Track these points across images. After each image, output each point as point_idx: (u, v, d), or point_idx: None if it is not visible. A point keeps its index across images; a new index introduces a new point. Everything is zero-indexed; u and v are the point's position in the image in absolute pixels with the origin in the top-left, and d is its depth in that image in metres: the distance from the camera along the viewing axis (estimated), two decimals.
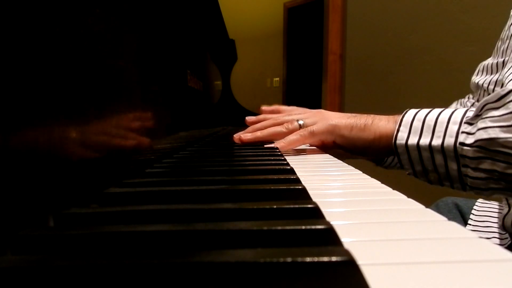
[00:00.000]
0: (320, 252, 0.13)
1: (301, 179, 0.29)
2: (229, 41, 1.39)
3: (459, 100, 0.78)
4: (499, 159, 0.35)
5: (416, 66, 1.52)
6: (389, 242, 0.17)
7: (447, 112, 0.41)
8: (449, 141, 0.39)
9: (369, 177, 0.33)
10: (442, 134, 0.39)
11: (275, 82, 3.86)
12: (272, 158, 0.43)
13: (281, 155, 0.46)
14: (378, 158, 0.52)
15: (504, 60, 0.64)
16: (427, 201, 0.49)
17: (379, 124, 0.47)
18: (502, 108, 0.35)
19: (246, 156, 0.46)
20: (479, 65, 0.72)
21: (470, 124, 0.38)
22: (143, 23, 0.40)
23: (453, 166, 0.39)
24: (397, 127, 0.43)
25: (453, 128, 0.39)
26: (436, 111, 0.42)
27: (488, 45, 0.73)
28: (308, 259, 0.13)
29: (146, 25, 0.41)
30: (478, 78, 0.71)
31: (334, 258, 0.13)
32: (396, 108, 0.72)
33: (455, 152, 0.38)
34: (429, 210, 0.22)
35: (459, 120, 0.39)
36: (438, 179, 0.42)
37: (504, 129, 0.34)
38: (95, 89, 0.26)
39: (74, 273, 0.13)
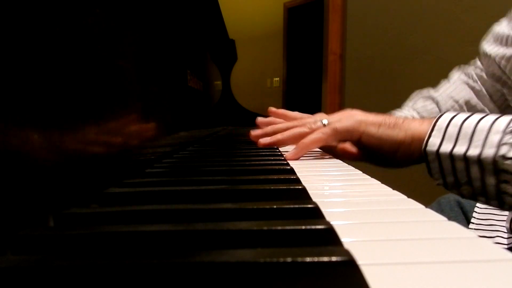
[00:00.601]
0: (320, 252, 0.13)
1: (301, 179, 0.29)
2: (229, 41, 1.39)
3: (464, 70, 0.71)
4: None
5: (416, 66, 1.52)
6: (389, 242, 0.17)
7: (489, 119, 0.36)
8: (489, 152, 0.34)
9: (369, 177, 0.33)
10: (481, 143, 0.35)
11: (275, 82, 3.86)
12: (272, 158, 0.43)
13: (281, 155, 0.46)
14: (406, 166, 0.46)
15: None
16: (428, 200, 0.48)
17: (411, 124, 0.42)
18: None
19: (246, 156, 0.46)
20: (493, 29, 0.65)
21: None
22: (143, 23, 0.40)
23: (491, 181, 0.35)
24: (429, 132, 0.39)
25: (494, 138, 0.34)
26: (476, 117, 0.37)
27: None
28: (308, 259, 0.13)
29: (146, 25, 0.41)
30: (489, 47, 0.64)
31: (334, 258, 0.12)
32: (396, 108, 0.71)
33: (494, 166, 0.34)
34: (429, 210, 0.22)
35: (502, 129, 0.34)
36: (471, 194, 0.38)
37: None
38: (95, 89, 0.26)
39: (74, 273, 0.13)
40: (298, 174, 0.31)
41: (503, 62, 0.61)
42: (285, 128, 0.52)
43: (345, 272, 0.12)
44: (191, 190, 0.25)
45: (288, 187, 0.26)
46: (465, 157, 0.36)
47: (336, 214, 0.22)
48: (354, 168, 0.39)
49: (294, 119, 0.56)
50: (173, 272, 0.13)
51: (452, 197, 0.68)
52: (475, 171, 0.36)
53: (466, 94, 0.67)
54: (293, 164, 0.38)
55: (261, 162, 0.40)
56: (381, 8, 1.62)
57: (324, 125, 0.47)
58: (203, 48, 0.89)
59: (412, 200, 0.24)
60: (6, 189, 0.17)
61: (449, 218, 0.20)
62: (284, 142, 0.51)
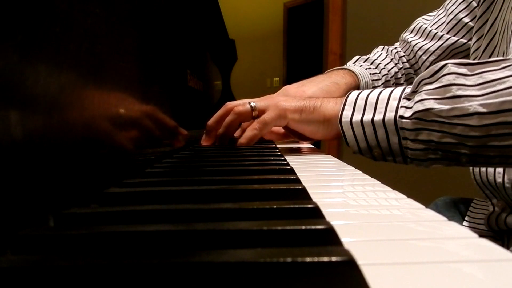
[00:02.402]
0: (320, 252, 0.13)
1: (301, 179, 0.29)
2: (229, 41, 1.39)
3: (386, 47, 0.84)
4: (434, 129, 0.37)
5: None
6: (389, 242, 0.17)
7: (388, 90, 0.43)
8: (390, 115, 0.41)
9: (369, 177, 0.33)
10: (383, 109, 0.42)
11: (275, 82, 3.86)
12: (272, 158, 0.43)
13: (281, 155, 0.46)
14: (328, 141, 0.56)
15: (442, 36, 0.69)
16: (426, 200, 0.49)
17: (327, 106, 0.49)
18: (436, 82, 0.38)
19: (246, 156, 0.46)
20: (417, 22, 0.77)
21: (408, 99, 0.40)
22: (143, 23, 0.40)
23: (394, 139, 0.41)
24: (341, 107, 0.46)
25: (393, 103, 0.41)
26: (377, 90, 0.45)
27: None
28: (308, 259, 0.13)
29: (146, 25, 0.41)
30: (410, 36, 0.77)
31: (334, 258, 0.12)
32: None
33: (395, 126, 0.41)
34: (429, 210, 0.22)
35: (398, 96, 0.42)
36: (381, 155, 0.44)
37: (438, 100, 0.37)
38: (95, 89, 0.26)
39: (74, 273, 0.13)
40: (298, 174, 0.31)
41: (419, 52, 0.74)
42: (216, 120, 0.58)
43: (345, 272, 0.12)
44: (191, 190, 0.25)
45: (288, 187, 0.26)
46: (372, 122, 0.43)
47: (336, 214, 0.22)
48: (354, 168, 0.40)
49: (227, 112, 0.59)
50: (173, 272, 0.13)
51: (448, 198, 0.68)
52: (381, 133, 0.42)
53: (394, 69, 0.80)
54: (293, 164, 0.38)
55: (261, 162, 0.40)
56: (381, 8, 1.62)
57: (252, 108, 0.53)
58: (203, 48, 0.89)
59: (412, 200, 0.24)
60: (6, 189, 0.17)
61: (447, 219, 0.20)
62: (222, 138, 0.57)
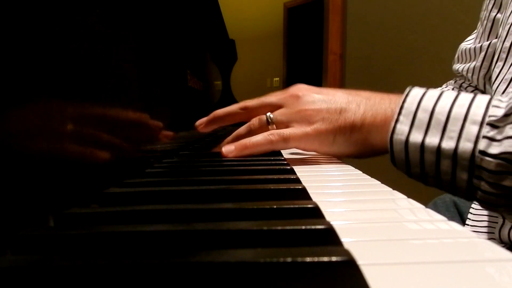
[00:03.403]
0: (320, 252, 0.13)
1: (301, 179, 0.29)
2: (229, 41, 1.39)
3: (447, 84, 0.74)
4: None
5: (416, 66, 1.52)
6: (389, 242, 0.17)
7: (464, 101, 0.31)
8: (466, 146, 0.30)
9: (369, 177, 0.33)
10: (456, 135, 0.31)
11: (275, 82, 3.86)
12: (272, 158, 0.43)
13: (281, 155, 0.46)
14: (366, 157, 0.42)
15: (481, 46, 0.59)
16: (425, 200, 0.48)
17: (373, 122, 0.38)
18: None
19: (246, 156, 0.46)
20: (459, 48, 0.68)
21: (496, 127, 0.29)
22: (143, 23, 0.40)
23: (463, 176, 0.31)
24: (395, 116, 0.34)
25: (472, 129, 0.30)
26: (448, 98, 0.32)
27: None
28: (308, 259, 0.13)
29: (146, 25, 0.41)
30: (458, 65, 0.67)
31: (334, 258, 0.12)
32: None
33: (471, 162, 0.30)
34: (429, 210, 0.22)
35: (480, 118, 0.30)
36: (437, 185, 0.34)
37: None
38: (95, 89, 0.26)
39: (74, 273, 0.13)
40: (298, 174, 0.31)
41: (468, 74, 0.62)
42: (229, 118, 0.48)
43: (345, 272, 0.12)
44: (191, 190, 0.25)
45: (288, 187, 0.26)
46: (438, 150, 0.31)
47: (336, 214, 0.22)
48: (354, 168, 0.39)
49: (239, 110, 0.49)
50: (173, 272, 0.13)
51: (448, 198, 0.68)
52: (446, 165, 0.31)
53: None
54: (293, 164, 0.38)
55: (261, 162, 0.40)
56: (381, 8, 1.62)
57: (268, 121, 0.43)
58: (203, 48, 0.89)
59: (412, 200, 0.24)
60: (6, 189, 0.17)
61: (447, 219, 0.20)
62: (232, 152, 0.44)
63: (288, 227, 0.16)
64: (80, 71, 0.24)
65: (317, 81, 2.77)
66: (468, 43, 0.67)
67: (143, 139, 0.37)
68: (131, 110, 0.34)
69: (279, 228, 0.16)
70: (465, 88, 0.71)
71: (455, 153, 0.30)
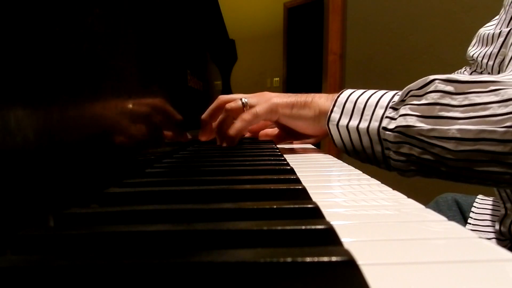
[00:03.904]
0: (320, 252, 0.13)
1: (301, 179, 0.29)
2: (229, 41, 1.39)
3: (457, 72, 0.76)
4: (415, 145, 0.37)
5: (416, 66, 1.52)
6: (389, 242, 0.17)
7: (377, 95, 0.43)
8: (374, 125, 0.41)
9: (369, 177, 0.33)
10: (369, 117, 0.42)
11: (275, 82, 3.86)
12: (272, 158, 0.43)
13: (281, 155, 0.46)
14: (321, 139, 0.54)
15: (501, 32, 0.61)
16: (427, 199, 0.49)
17: (318, 101, 0.49)
18: (422, 97, 0.37)
19: (246, 156, 0.46)
20: (477, 33, 0.69)
21: (395, 109, 0.40)
22: (143, 23, 0.40)
23: (377, 148, 0.42)
24: (331, 107, 0.46)
25: (379, 112, 0.41)
26: (368, 93, 0.44)
27: None
28: (308, 259, 0.13)
29: (146, 25, 0.41)
30: (473, 50, 0.69)
31: (334, 258, 0.12)
32: None
33: (378, 136, 0.41)
34: (429, 210, 0.22)
35: (385, 104, 0.41)
36: (367, 159, 0.44)
37: (420, 118, 0.36)
38: (95, 89, 0.26)
39: (74, 273, 0.13)
40: (298, 174, 0.31)
41: (484, 60, 0.64)
42: (209, 116, 0.59)
43: (345, 272, 0.12)
44: (191, 190, 0.25)
45: (288, 187, 0.26)
46: (357, 129, 0.43)
47: (336, 214, 0.22)
48: (354, 168, 0.39)
49: (219, 105, 0.59)
50: (173, 272, 0.13)
51: (449, 196, 0.68)
52: (366, 140, 0.42)
53: None
54: (293, 164, 0.38)
55: (261, 162, 0.40)
56: (381, 8, 1.62)
57: (243, 104, 0.54)
58: (203, 48, 0.89)
59: (412, 200, 0.24)
60: (6, 189, 0.17)
61: (447, 218, 0.20)
62: (219, 137, 0.56)
63: (288, 227, 0.16)
64: (80, 71, 0.24)
65: (317, 81, 2.78)
66: (487, 29, 0.67)
67: (143, 139, 0.37)
68: (131, 110, 0.34)
69: (279, 228, 0.16)
70: None
71: (367, 130, 0.42)
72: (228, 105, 0.55)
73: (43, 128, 0.20)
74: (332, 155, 0.51)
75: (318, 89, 2.56)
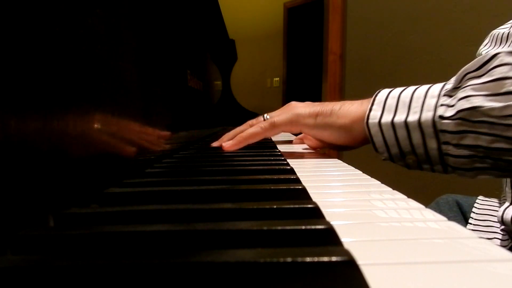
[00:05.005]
0: (320, 252, 0.13)
1: (301, 179, 0.29)
2: (229, 41, 1.39)
3: None
4: (483, 132, 0.31)
5: (416, 66, 1.52)
6: (389, 242, 0.17)
7: (424, 87, 0.38)
8: (427, 115, 0.35)
9: (370, 177, 0.33)
10: (419, 109, 0.36)
11: (275, 82, 3.86)
12: (272, 158, 0.43)
13: (281, 155, 0.46)
14: (355, 148, 0.47)
15: None
16: (427, 200, 0.48)
17: (349, 108, 0.44)
18: (485, 75, 0.32)
19: (246, 156, 0.46)
20: (490, 34, 0.66)
21: (450, 96, 0.34)
22: (143, 23, 0.40)
23: (432, 144, 0.35)
24: (369, 107, 0.40)
25: (431, 101, 0.35)
26: (412, 88, 0.39)
27: None
28: (308, 259, 0.13)
29: (146, 25, 0.41)
30: (485, 49, 0.65)
31: (334, 258, 0.12)
32: None
33: (434, 127, 0.35)
34: (429, 210, 0.22)
35: (437, 93, 0.36)
36: (417, 162, 0.38)
37: (489, 97, 0.31)
38: (95, 89, 0.26)
39: (74, 273, 0.13)
40: (298, 174, 0.31)
41: None
42: (234, 134, 0.54)
43: (345, 272, 0.12)
44: (191, 190, 0.25)
45: (288, 187, 0.26)
46: (405, 124, 0.36)
47: (336, 214, 0.22)
48: (354, 168, 0.39)
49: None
50: (173, 272, 0.13)
51: (450, 197, 0.68)
52: (416, 137, 0.36)
53: None
54: (293, 164, 0.38)
55: (261, 162, 0.40)
56: (381, 8, 1.62)
57: (264, 119, 0.50)
58: (203, 48, 0.89)
59: (412, 200, 0.24)
60: (6, 189, 0.17)
61: (448, 219, 0.20)
62: (232, 145, 0.52)
63: (288, 227, 0.16)
64: (80, 71, 0.24)
65: (317, 81, 2.78)
66: (502, 29, 0.66)
67: (143, 139, 0.37)
68: (131, 110, 0.34)
69: (279, 228, 0.16)
70: None
71: (419, 123, 0.35)
72: (251, 121, 0.52)
73: (43, 128, 0.20)
74: (332, 155, 0.51)
75: (318, 89, 2.56)
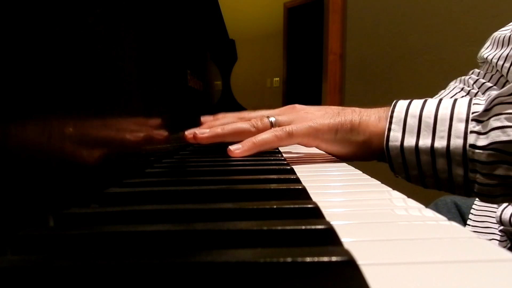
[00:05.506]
0: (320, 252, 0.13)
1: (301, 179, 0.29)
2: (229, 41, 1.39)
3: (460, 78, 0.70)
4: None
5: (416, 66, 1.52)
6: (389, 242, 0.17)
7: (447, 104, 0.35)
8: (457, 143, 0.33)
9: (369, 177, 0.33)
10: (445, 133, 0.33)
11: (275, 82, 3.86)
12: (272, 158, 0.43)
13: (281, 155, 0.46)
14: (368, 160, 0.45)
15: None
16: (426, 201, 0.48)
17: (368, 122, 0.40)
18: None
19: (246, 156, 0.46)
20: (492, 36, 0.65)
21: (480, 121, 0.32)
22: (143, 23, 0.40)
23: (458, 171, 0.33)
24: (387, 126, 0.37)
25: (459, 126, 0.33)
26: (432, 103, 0.36)
27: None
28: (308, 259, 0.13)
29: (146, 25, 0.41)
30: (487, 52, 0.64)
31: (334, 258, 0.12)
32: None
33: (463, 156, 0.33)
34: (429, 210, 0.22)
35: (464, 115, 0.33)
36: (436, 185, 0.36)
37: None
38: (95, 89, 0.26)
39: (74, 273, 0.13)
40: (298, 174, 0.31)
41: (499, 62, 0.61)
42: (225, 123, 0.47)
43: (345, 272, 0.12)
44: (191, 190, 0.25)
45: (288, 187, 0.26)
46: (432, 150, 0.34)
47: (336, 214, 0.22)
48: (354, 168, 0.39)
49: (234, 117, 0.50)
50: (173, 272, 0.13)
51: (449, 198, 0.68)
52: (442, 163, 0.34)
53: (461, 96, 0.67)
54: (293, 164, 0.38)
55: (261, 162, 0.40)
56: (381, 8, 1.62)
57: (271, 122, 0.44)
58: (203, 48, 0.89)
59: (412, 200, 0.24)
60: (6, 189, 0.17)
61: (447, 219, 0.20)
62: (223, 137, 0.45)
63: (288, 227, 0.16)
64: (80, 71, 0.24)
65: (317, 81, 2.78)
66: (503, 32, 0.63)
67: (143, 139, 0.37)
68: (131, 110, 0.34)
69: (279, 228, 0.16)
70: (479, 88, 0.66)
71: (448, 150, 0.33)
72: (255, 122, 0.44)
73: (43, 128, 0.20)
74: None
75: (318, 89, 2.56)
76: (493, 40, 0.65)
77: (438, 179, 0.35)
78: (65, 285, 0.13)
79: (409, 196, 0.25)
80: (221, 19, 1.15)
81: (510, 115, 0.31)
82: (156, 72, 0.43)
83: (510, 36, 0.58)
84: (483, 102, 0.33)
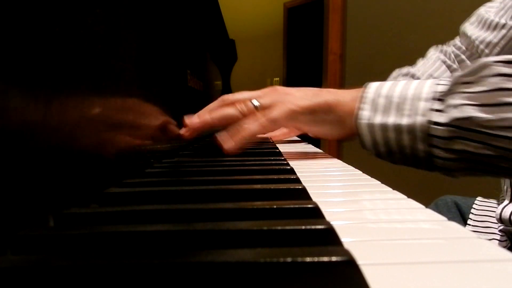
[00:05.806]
0: (320, 252, 0.13)
1: (301, 179, 0.29)
2: (229, 41, 1.39)
3: (442, 48, 0.71)
4: (473, 139, 0.32)
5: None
6: (389, 242, 0.17)
7: (413, 85, 0.37)
8: (420, 120, 0.35)
9: (369, 177, 0.33)
10: (410, 112, 0.36)
11: (275, 82, 3.86)
12: (272, 158, 0.43)
13: (281, 155, 0.46)
14: (345, 141, 0.47)
15: (505, 24, 0.57)
16: (427, 200, 0.48)
17: (343, 102, 0.42)
18: (479, 84, 0.32)
19: (246, 155, 0.46)
20: (477, 13, 0.65)
21: (441, 100, 0.35)
22: (143, 23, 0.40)
23: (421, 147, 0.36)
24: (358, 105, 0.40)
25: (422, 105, 0.35)
26: (400, 84, 0.38)
27: None
28: (308, 259, 0.13)
29: (146, 25, 0.41)
30: (471, 29, 0.64)
31: (334, 258, 0.12)
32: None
33: (424, 132, 0.35)
34: (429, 210, 0.22)
35: (429, 95, 0.36)
36: (402, 160, 0.39)
37: (482, 108, 0.32)
38: (95, 89, 0.26)
39: (74, 273, 0.13)
40: (298, 174, 0.31)
41: (481, 46, 0.61)
42: (212, 108, 0.49)
43: (345, 272, 0.12)
44: (191, 190, 0.25)
45: (288, 187, 0.26)
46: (396, 127, 0.37)
47: (336, 214, 0.22)
48: (354, 168, 0.39)
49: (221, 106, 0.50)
50: (173, 272, 0.13)
51: (449, 198, 0.68)
52: (407, 139, 0.37)
53: (442, 72, 0.69)
54: (293, 164, 0.38)
55: (261, 162, 0.40)
56: (381, 8, 1.62)
57: (255, 106, 0.46)
58: (203, 48, 0.89)
59: (412, 200, 0.24)
60: (6, 189, 0.17)
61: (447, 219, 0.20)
62: (213, 124, 0.47)
63: (288, 227, 0.16)
64: (80, 71, 0.24)
65: (317, 81, 2.77)
66: (489, 10, 0.62)
67: (143, 139, 0.37)
68: (131, 110, 0.34)
69: (279, 228, 0.16)
70: (459, 66, 0.67)
71: (411, 127, 0.36)
72: (239, 106, 0.46)
73: (43, 128, 0.20)
74: (332, 155, 0.51)
75: None
76: (478, 18, 0.65)
77: (404, 154, 0.38)
78: (65, 285, 0.13)
79: (409, 196, 0.25)
80: (221, 19, 1.16)
81: (467, 94, 0.33)
82: (156, 72, 0.43)
83: (497, 23, 0.59)
84: (446, 82, 0.36)
